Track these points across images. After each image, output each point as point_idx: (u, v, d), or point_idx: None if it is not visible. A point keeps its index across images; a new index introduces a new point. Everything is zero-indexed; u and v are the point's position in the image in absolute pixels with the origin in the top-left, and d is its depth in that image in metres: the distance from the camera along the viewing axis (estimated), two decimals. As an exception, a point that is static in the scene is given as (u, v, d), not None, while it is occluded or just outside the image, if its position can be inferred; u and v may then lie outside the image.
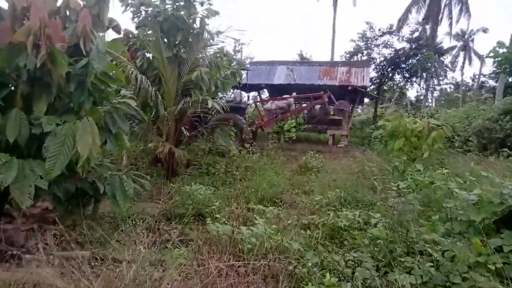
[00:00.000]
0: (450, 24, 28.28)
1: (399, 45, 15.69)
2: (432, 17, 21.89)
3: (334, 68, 14.80)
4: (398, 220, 2.87)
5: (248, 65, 15.51)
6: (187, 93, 6.42)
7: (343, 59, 16.96)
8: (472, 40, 38.00)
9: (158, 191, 6.03)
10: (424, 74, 15.02)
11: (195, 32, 6.53)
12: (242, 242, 2.77)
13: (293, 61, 15.93)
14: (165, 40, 6.40)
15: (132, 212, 4.38)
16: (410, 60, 14.54)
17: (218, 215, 3.88)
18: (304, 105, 11.45)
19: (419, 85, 15.87)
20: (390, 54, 15.38)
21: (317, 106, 11.52)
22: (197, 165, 7.33)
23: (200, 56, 6.80)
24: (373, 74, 16.02)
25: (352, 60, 16.84)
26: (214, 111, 11.40)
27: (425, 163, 7.35)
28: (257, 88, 15.23)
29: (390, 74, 16.14)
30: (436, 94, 36.51)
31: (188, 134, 7.61)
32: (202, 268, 2.40)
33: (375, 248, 2.86)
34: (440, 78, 15.11)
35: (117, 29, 3.73)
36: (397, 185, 3.54)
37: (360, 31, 16.81)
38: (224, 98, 10.58)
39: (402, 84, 14.06)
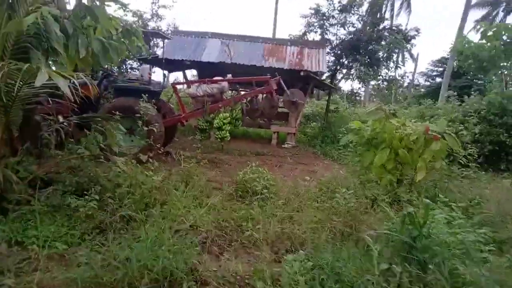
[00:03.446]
0: (391, 17, 28.92)
1: (357, 25, 14.38)
2: (375, 9, 21.32)
3: (283, 47, 12.87)
4: None
5: (169, 34, 12.76)
6: (23, 58, 3.70)
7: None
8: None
9: None
10: (386, 63, 13.90)
11: None
12: None
13: (230, 35, 13.58)
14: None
15: None
16: (373, 45, 13.23)
17: None
18: (243, 92, 9.20)
19: (387, 75, 14.75)
20: (350, 35, 13.92)
21: (261, 95, 9.40)
22: (58, 187, 4.66)
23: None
24: (326, 59, 14.46)
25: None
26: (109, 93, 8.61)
27: (418, 187, 5.69)
28: (180, 65, 12.58)
29: (346, 61, 14.76)
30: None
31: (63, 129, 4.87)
32: None
33: None
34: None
35: None
36: None
37: (313, 5, 15.09)
38: (125, 76, 7.83)
39: (362, 73, 12.72)
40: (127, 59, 14.78)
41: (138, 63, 13.92)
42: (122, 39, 5.07)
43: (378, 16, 15.67)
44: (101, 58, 4.44)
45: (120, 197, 4.21)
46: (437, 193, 5.17)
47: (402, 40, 12.74)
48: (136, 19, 15.30)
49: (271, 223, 4.31)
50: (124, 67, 14.30)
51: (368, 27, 13.76)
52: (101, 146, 5.01)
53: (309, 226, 4.13)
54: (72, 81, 3.45)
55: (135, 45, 5.37)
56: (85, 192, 4.11)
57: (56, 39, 3.51)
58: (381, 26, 14.76)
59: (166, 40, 12.64)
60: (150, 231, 3.59)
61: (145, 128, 6.35)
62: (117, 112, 5.60)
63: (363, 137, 5.90)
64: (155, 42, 14.11)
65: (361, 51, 13.77)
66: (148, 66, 8.41)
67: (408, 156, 5.40)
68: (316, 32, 15.09)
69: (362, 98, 34.70)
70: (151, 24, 16.23)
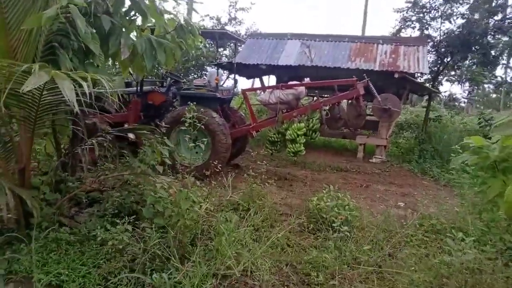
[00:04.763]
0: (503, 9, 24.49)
1: (467, 17, 12.20)
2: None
3: (373, 45, 11.40)
4: None
5: (243, 36, 12.27)
6: (52, 59, 3.25)
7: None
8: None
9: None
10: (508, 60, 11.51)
11: None
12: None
13: (311, 35, 12.57)
14: None
15: None
16: (489, 38, 10.97)
17: None
18: (322, 99, 8.11)
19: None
20: (458, 29, 11.83)
21: (344, 102, 8.19)
22: (95, 209, 4.24)
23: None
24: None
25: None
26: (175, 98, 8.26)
27: None
28: (256, 70, 11.96)
29: (452, 60, 12.61)
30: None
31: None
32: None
33: None
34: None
35: None
36: None
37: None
38: (187, 81, 7.40)
39: (475, 73, 10.53)
40: (205, 64, 14.76)
41: (215, 68, 13.76)
42: (177, 38, 4.48)
43: (492, 5, 13.15)
44: (147, 59, 3.85)
45: (158, 228, 3.53)
46: None
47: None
48: (213, 23, 15.25)
49: (351, 277, 3.22)
50: (200, 72, 14.24)
51: (482, 16, 11.49)
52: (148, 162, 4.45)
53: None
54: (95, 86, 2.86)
55: (193, 45, 4.75)
56: (117, 221, 3.50)
57: (84, 37, 2.95)
58: (499, 16, 12.33)
59: (242, 44, 12.20)
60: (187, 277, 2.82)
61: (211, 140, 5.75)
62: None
63: (488, 159, 4.39)
64: (229, 45, 13.74)
65: (473, 47, 11.59)
66: (215, 71, 7.87)
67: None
68: (414, 27, 13.26)
69: (463, 104, 30.68)
70: (229, 29, 16.07)
